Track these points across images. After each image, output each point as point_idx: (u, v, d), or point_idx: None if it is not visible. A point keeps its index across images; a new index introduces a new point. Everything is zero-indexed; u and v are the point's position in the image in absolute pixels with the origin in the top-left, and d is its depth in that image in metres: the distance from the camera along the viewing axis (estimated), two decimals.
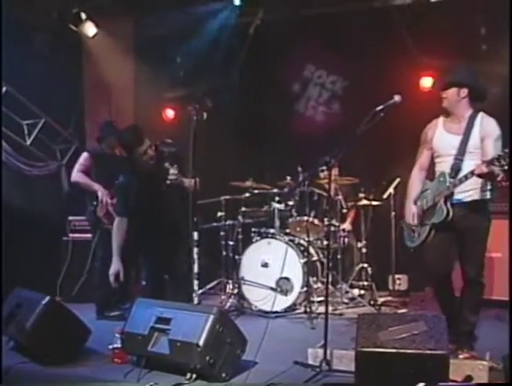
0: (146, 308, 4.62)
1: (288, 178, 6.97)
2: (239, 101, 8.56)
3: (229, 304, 6.67)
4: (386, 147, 7.21)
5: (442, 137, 4.86)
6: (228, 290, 7.03)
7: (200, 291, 6.55)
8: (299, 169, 6.66)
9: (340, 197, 6.91)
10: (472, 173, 4.44)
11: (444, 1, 7.73)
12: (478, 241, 4.74)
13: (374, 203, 7.06)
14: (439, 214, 4.66)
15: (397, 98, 4.74)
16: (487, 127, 4.68)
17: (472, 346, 4.69)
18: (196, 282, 5.13)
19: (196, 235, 5.13)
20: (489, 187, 4.68)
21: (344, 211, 6.97)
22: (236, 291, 6.73)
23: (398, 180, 6.99)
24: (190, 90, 8.48)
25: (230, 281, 7.05)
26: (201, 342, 4.13)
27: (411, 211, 4.96)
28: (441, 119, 4.91)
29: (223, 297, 6.98)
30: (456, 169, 4.66)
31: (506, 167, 4.21)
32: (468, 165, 4.62)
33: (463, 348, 4.64)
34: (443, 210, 4.63)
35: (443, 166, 4.79)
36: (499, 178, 6.75)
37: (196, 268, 5.12)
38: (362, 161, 7.19)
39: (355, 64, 8.20)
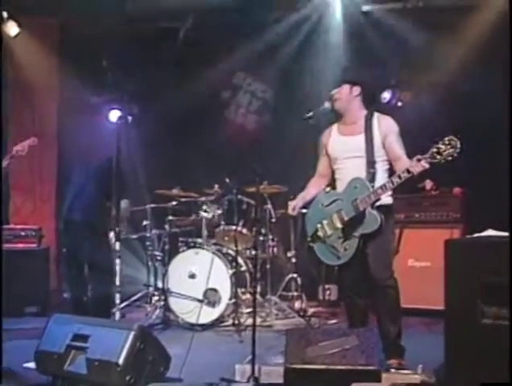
0: (62, 324, 4.33)
1: (216, 186, 6.83)
2: (167, 107, 8.36)
3: (154, 316, 6.45)
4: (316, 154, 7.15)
5: (336, 141, 4.72)
6: (153, 302, 6.81)
7: (124, 304, 6.36)
8: (227, 180, 6.51)
9: (269, 206, 6.79)
10: (408, 171, 4.19)
11: (375, 11, 7.77)
12: (388, 244, 4.62)
13: (304, 211, 6.93)
14: (371, 223, 4.38)
15: (327, 104, 4.67)
16: (386, 125, 4.57)
17: (400, 355, 4.56)
18: (117, 295, 4.89)
19: (118, 245, 4.90)
20: (391, 192, 4.55)
21: (273, 220, 6.84)
22: (162, 303, 6.49)
23: (328, 189, 6.89)
24: (116, 94, 8.22)
25: (156, 293, 6.84)
26: (121, 361, 3.90)
27: (293, 204, 4.88)
28: (335, 125, 4.79)
29: (148, 309, 6.76)
30: (372, 172, 4.47)
31: (450, 158, 4.04)
32: (379, 167, 4.50)
33: (391, 358, 4.51)
34: (376, 218, 4.36)
35: (346, 172, 4.61)
36: (428, 188, 6.88)
37: (117, 281, 4.89)
38: (291, 168, 7.11)
39: (286, 73, 8.13)
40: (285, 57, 8.00)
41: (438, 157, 4.06)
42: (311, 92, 7.45)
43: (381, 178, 4.46)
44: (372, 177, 4.47)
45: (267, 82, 8.63)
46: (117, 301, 4.92)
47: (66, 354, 4.15)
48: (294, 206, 4.92)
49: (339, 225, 4.55)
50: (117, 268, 4.91)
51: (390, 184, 4.32)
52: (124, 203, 5.65)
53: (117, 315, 4.90)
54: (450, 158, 4.03)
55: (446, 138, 4.05)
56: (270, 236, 6.83)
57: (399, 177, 4.27)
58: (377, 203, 4.45)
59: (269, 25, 7.96)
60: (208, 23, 8.17)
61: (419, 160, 4.15)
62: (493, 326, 3.58)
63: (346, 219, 4.51)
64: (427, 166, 4.13)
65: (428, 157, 4.11)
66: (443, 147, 4.04)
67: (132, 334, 4.00)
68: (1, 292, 4.90)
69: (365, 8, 7.81)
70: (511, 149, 4.56)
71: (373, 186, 4.40)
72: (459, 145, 4.01)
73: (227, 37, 8.08)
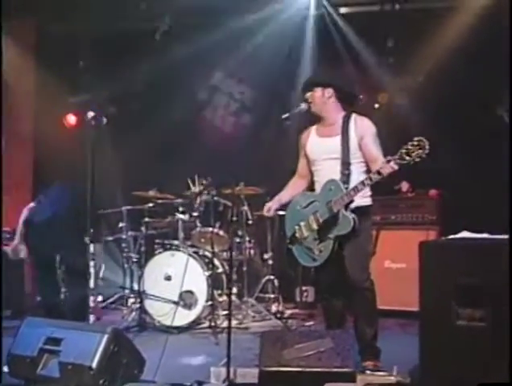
0: (35, 327, 4.28)
1: (193, 187, 6.73)
2: (144, 108, 8.30)
3: (130, 319, 6.36)
4: (293, 156, 7.15)
5: (314, 142, 4.69)
6: (129, 304, 6.74)
7: (99, 306, 6.29)
8: (204, 182, 6.48)
9: (245, 208, 6.76)
10: (378, 173, 4.19)
11: (353, 13, 7.78)
12: (365, 246, 4.60)
13: (280, 213, 6.91)
14: (344, 225, 4.36)
15: (303, 106, 4.65)
16: (363, 126, 4.55)
17: (376, 356, 4.55)
18: (91, 298, 4.84)
19: (92, 247, 4.85)
20: (369, 194, 4.56)
21: (250, 222, 6.81)
22: (138, 305, 6.40)
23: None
24: (94, 95, 8.16)
25: (132, 295, 6.78)
26: (94, 365, 3.87)
27: (268, 205, 4.86)
28: (315, 126, 4.77)
29: (124, 311, 6.68)
30: (346, 173, 4.45)
31: (418, 159, 4.03)
32: (355, 168, 4.48)
33: (366, 359, 4.49)
34: (349, 220, 4.34)
35: (323, 173, 4.59)
36: (405, 190, 6.89)
37: (92, 284, 4.83)
38: (269, 170, 7.08)
39: (264, 74, 8.10)
40: (263, 59, 7.95)
41: (407, 158, 4.04)
42: (289, 94, 7.44)
43: (357, 179, 4.42)
44: (347, 179, 4.45)
45: (245, 83, 8.59)
46: (92, 303, 4.86)
47: (39, 357, 4.10)
48: (269, 207, 4.89)
49: (315, 227, 4.53)
50: (92, 270, 4.85)
51: (362, 186, 4.31)
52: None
53: (92, 318, 4.84)
54: (418, 159, 4.02)
55: (415, 139, 4.04)
56: (247, 238, 6.80)
57: (370, 179, 4.26)
58: (355, 205, 4.43)
59: (247, 27, 7.93)
60: (185, 24, 8.13)
61: (388, 161, 4.14)
62: (467, 327, 3.58)
63: (321, 220, 4.48)
64: (396, 167, 4.12)
65: (397, 158, 4.09)
66: (411, 148, 4.03)
67: (106, 337, 3.97)
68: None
69: (343, 10, 7.82)
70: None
71: (347, 188, 4.39)
72: (427, 146, 4.00)
73: (204, 38, 8.02)
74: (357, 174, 4.49)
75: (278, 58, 7.88)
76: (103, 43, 8.24)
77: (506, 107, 6.34)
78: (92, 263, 4.85)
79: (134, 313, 6.43)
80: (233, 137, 8.44)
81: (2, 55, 6.74)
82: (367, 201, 4.60)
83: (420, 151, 4.00)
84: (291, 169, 5.02)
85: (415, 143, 4.02)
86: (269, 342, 3.89)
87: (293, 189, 4.90)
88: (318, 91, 4.64)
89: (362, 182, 4.30)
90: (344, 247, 4.49)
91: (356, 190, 4.33)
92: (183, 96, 8.46)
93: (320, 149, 4.65)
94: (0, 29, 6.80)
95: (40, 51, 8.31)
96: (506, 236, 3.73)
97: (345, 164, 4.48)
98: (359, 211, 4.46)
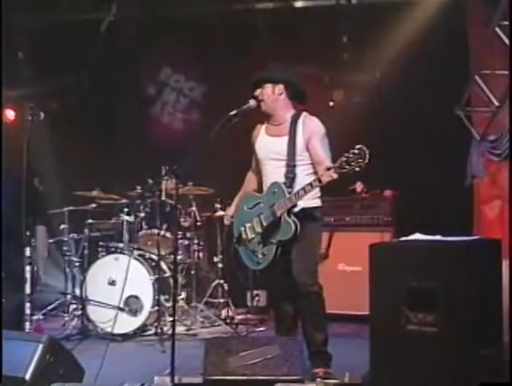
0: None
1: (138, 187, 6.54)
2: (88, 103, 8.03)
3: (71, 327, 6.12)
4: (244, 156, 6.99)
5: (263, 142, 4.57)
6: (71, 311, 6.46)
7: (39, 314, 6.03)
8: (150, 181, 6.26)
9: (194, 208, 6.56)
10: (319, 180, 4.09)
11: (308, 8, 7.65)
12: (311, 249, 4.46)
13: None
14: (285, 230, 4.25)
15: (252, 103, 4.49)
16: (311, 126, 4.42)
17: (327, 363, 4.40)
18: (28, 305, 4.56)
19: (28, 251, 4.58)
20: (318, 195, 4.44)
21: (199, 223, 6.60)
22: (80, 312, 6.15)
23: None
24: (34, 89, 7.84)
25: (74, 301, 6.51)
26: (28, 376, 3.65)
27: (226, 213, 4.84)
28: (265, 124, 4.62)
29: (66, 318, 6.39)
30: (290, 177, 4.33)
31: (358, 168, 3.93)
32: (301, 170, 4.36)
33: (317, 366, 4.35)
34: (290, 226, 4.22)
35: (270, 173, 4.47)
36: (359, 190, 6.77)
37: (28, 289, 4.56)
38: (218, 170, 6.90)
39: (215, 70, 7.92)
40: (213, 54, 7.78)
41: (346, 167, 3.95)
42: (240, 90, 7.26)
43: (302, 182, 4.29)
44: (291, 182, 4.33)
45: (195, 79, 8.40)
46: (28, 310, 4.59)
47: None
48: (226, 215, 4.85)
49: (259, 230, 4.43)
50: (28, 275, 4.58)
51: (303, 192, 4.19)
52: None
53: (27, 326, 4.56)
54: (358, 169, 3.93)
55: (356, 147, 3.94)
56: (196, 240, 6.65)
57: (311, 185, 4.16)
58: (301, 206, 4.31)
59: (197, 20, 7.73)
60: (132, 15, 7.88)
61: (328, 169, 4.04)
62: (418, 332, 3.50)
63: (265, 224, 4.38)
64: (335, 176, 4.02)
65: (337, 166, 4.00)
66: (352, 157, 3.93)
67: (40, 346, 3.77)
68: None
69: (298, 4, 7.69)
70: None
71: (290, 192, 4.27)
72: (368, 155, 3.90)
73: (151, 31, 7.81)
74: (303, 177, 4.36)
75: (229, 52, 7.71)
76: (44, 34, 7.91)
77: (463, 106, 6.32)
78: (28, 267, 4.57)
79: (75, 320, 6.19)
80: (183, 135, 8.23)
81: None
82: (315, 202, 4.47)
83: (360, 160, 3.91)
84: (242, 168, 4.86)
85: (356, 152, 3.92)
86: (213, 350, 3.78)
87: (248, 185, 4.80)
88: (268, 87, 4.49)
89: (303, 189, 4.19)
90: (290, 250, 4.36)
91: (297, 195, 4.22)
92: (129, 92, 8.24)
93: (267, 149, 4.53)
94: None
95: None
96: (459, 238, 3.69)
97: (290, 166, 4.36)
98: (305, 213, 4.34)
